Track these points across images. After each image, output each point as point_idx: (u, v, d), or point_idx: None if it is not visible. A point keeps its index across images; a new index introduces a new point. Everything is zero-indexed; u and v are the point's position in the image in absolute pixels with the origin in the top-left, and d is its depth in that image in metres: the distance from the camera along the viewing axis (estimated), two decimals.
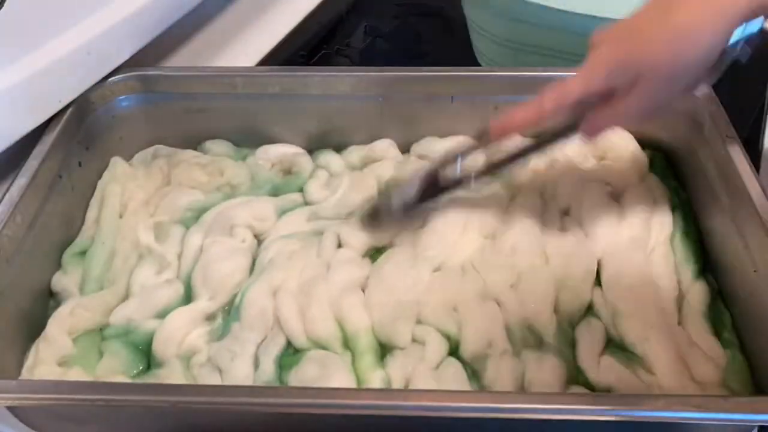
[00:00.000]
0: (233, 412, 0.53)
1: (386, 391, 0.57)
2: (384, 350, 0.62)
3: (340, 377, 0.58)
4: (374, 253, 0.70)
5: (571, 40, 0.83)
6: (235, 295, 0.66)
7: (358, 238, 0.69)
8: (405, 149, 0.81)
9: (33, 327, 0.64)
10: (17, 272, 0.63)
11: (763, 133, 0.83)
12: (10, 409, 0.55)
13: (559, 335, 0.62)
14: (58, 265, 0.69)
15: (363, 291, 0.66)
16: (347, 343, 0.62)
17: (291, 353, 0.62)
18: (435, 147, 0.78)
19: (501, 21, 0.87)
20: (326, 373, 0.59)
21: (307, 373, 0.59)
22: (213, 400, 0.52)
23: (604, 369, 0.59)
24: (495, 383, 0.59)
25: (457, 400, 0.52)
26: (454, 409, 0.50)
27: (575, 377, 0.60)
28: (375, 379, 0.59)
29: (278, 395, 0.53)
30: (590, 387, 0.59)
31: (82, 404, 0.52)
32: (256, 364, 0.61)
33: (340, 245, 0.69)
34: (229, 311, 0.66)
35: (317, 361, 0.60)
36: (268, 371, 0.60)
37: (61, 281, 0.67)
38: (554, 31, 0.83)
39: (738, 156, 0.65)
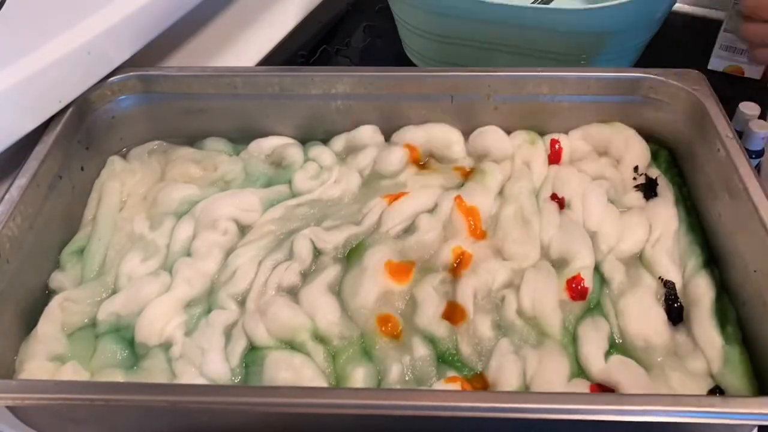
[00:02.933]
0: (233, 412, 0.53)
1: (386, 391, 0.57)
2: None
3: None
4: (349, 252, 0.70)
5: (492, 30, 0.85)
6: (210, 287, 0.67)
7: (331, 240, 0.70)
8: None
9: (33, 327, 0.63)
10: (17, 272, 0.63)
11: None
12: (10, 408, 0.55)
13: (562, 331, 0.62)
14: (57, 265, 0.69)
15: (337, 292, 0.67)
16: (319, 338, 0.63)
17: (256, 350, 0.63)
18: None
19: (425, 14, 0.88)
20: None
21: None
22: (212, 400, 0.52)
23: (607, 367, 0.59)
24: (498, 379, 0.59)
25: (458, 400, 0.52)
26: (454, 409, 0.50)
27: (576, 373, 0.60)
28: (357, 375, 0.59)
29: (278, 395, 0.53)
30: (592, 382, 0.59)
31: (81, 404, 0.52)
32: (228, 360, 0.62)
33: (314, 247, 0.69)
34: (205, 302, 0.66)
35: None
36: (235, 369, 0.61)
37: (59, 279, 0.67)
38: (477, 22, 0.84)
39: (738, 156, 0.65)
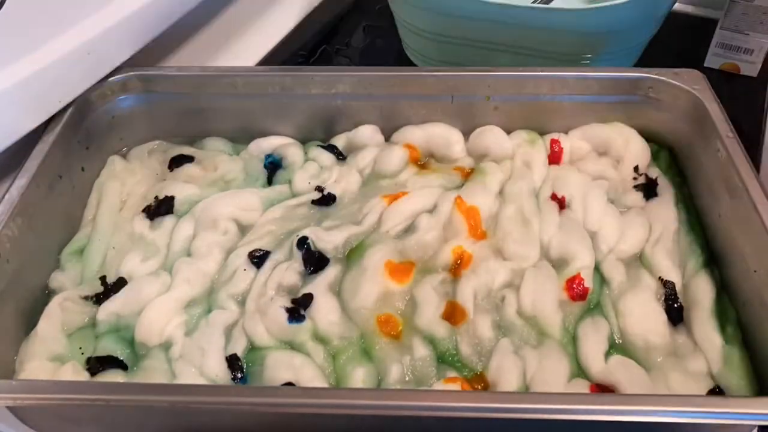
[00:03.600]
0: (233, 412, 0.53)
1: (386, 391, 0.57)
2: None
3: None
4: (349, 252, 0.70)
5: (492, 29, 0.85)
6: (210, 287, 0.67)
7: (331, 240, 0.70)
8: None
9: (33, 327, 0.63)
10: (17, 272, 0.63)
11: (763, 133, 0.83)
12: (10, 408, 0.55)
13: (562, 331, 0.62)
14: (58, 265, 0.69)
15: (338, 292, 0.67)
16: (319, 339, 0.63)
17: (256, 350, 0.63)
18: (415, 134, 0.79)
19: (425, 14, 0.89)
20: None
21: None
22: (212, 400, 0.52)
23: (607, 367, 0.59)
24: (498, 379, 0.59)
25: (458, 400, 0.52)
26: (454, 409, 0.50)
27: (576, 373, 0.60)
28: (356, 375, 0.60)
29: (278, 395, 0.53)
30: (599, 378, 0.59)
31: (81, 404, 0.52)
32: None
33: (314, 246, 0.69)
34: (205, 303, 0.66)
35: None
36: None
37: (58, 278, 0.67)
38: (477, 22, 0.84)
39: (738, 156, 0.65)
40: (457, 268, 0.67)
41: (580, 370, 0.60)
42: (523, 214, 0.71)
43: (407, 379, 0.60)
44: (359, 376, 0.59)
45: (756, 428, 0.56)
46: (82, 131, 0.75)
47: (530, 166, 0.76)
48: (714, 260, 0.67)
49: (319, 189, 0.75)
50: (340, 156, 0.80)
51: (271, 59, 0.99)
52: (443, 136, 0.79)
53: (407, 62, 0.99)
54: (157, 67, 0.84)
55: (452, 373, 0.60)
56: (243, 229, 0.73)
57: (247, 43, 0.99)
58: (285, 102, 0.79)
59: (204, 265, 0.68)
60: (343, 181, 0.76)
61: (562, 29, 0.83)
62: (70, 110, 0.73)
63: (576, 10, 0.83)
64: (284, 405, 0.51)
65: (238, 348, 0.62)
